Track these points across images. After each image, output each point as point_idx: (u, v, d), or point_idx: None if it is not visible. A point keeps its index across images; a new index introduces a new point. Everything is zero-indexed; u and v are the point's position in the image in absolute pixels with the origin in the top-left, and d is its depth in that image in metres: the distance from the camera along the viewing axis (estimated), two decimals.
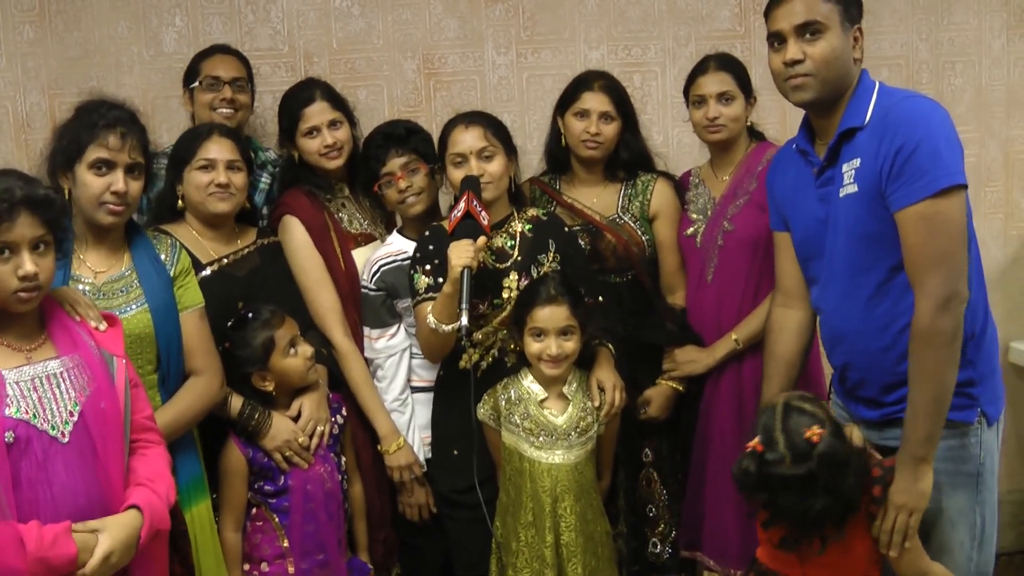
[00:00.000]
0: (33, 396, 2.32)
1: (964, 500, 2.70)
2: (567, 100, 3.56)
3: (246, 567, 3.15)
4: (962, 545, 2.72)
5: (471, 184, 3.14)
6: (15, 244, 2.31)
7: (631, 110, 3.59)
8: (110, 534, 2.31)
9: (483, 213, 3.07)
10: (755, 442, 2.58)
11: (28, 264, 2.31)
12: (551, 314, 3.05)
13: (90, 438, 2.35)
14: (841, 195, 2.68)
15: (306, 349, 3.18)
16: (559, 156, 3.64)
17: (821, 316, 2.92)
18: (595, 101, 3.49)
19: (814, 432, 2.51)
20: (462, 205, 3.06)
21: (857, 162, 2.64)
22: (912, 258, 2.55)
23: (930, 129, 2.54)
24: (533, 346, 3.08)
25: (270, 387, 3.16)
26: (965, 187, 2.54)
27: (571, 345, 3.07)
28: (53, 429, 2.31)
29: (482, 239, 3.04)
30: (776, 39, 2.73)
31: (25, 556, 2.18)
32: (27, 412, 2.29)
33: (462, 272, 2.96)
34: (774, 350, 3.06)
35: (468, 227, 3.05)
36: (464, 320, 2.94)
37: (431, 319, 3.08)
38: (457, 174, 3.23)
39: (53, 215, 2.39)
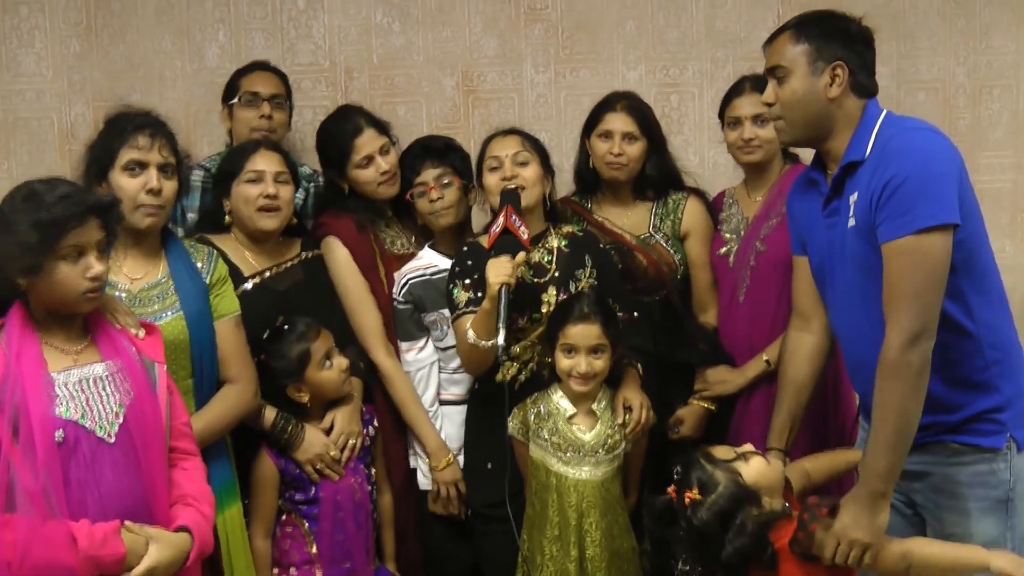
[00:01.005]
0: (81, 397, 2.36)
1: (994, 527, 2.67)
2: (592, 122, 3.58)
3: (275, 572, 3.19)
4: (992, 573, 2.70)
5: (510, 198, 3.15)
6: (84, 246, 2.38)
7: (657, 130, 3.59)
8: (159, 549, 2.36)
9: (522, 228, 3.08)
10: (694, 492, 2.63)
11: (97, 266, 2.39)
12: (583, 331, 3.07)
13: (133, 441, 2.39)
14: (848, 226, 2.67)
15: (341, 361, 3.21)
16: (587, 178, 3.65)
17: (841, 344, 2.90)
18: (618, 122, 3.51)
19: (690, 495, 2.62)
20: (500, 220, 3.06)
21: (856, 196, 2.63)
22: (888, 290, 2.54)
23: (920, 163, 2.51)
24: (564, 362, 3.09)
25: (305, 398, 3.19)
26: (953, 226, 2.50)
27: (600, 364, 3.09)
28: (100, 430, 2.36)
29: (521, 255, 3.05)
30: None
31: (77, 553, 2.23)
32: (76, 412, 2.34)
33: (500, 289, 2.97)
34: (786, 372, 3.04)
35: (507, 243, 3.05)
36: (501, 339, 2.95)
37: (470, 334, 3.10)
38: (492, 179, 3.26)
39: (114, 220, 2.48)
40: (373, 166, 3.47)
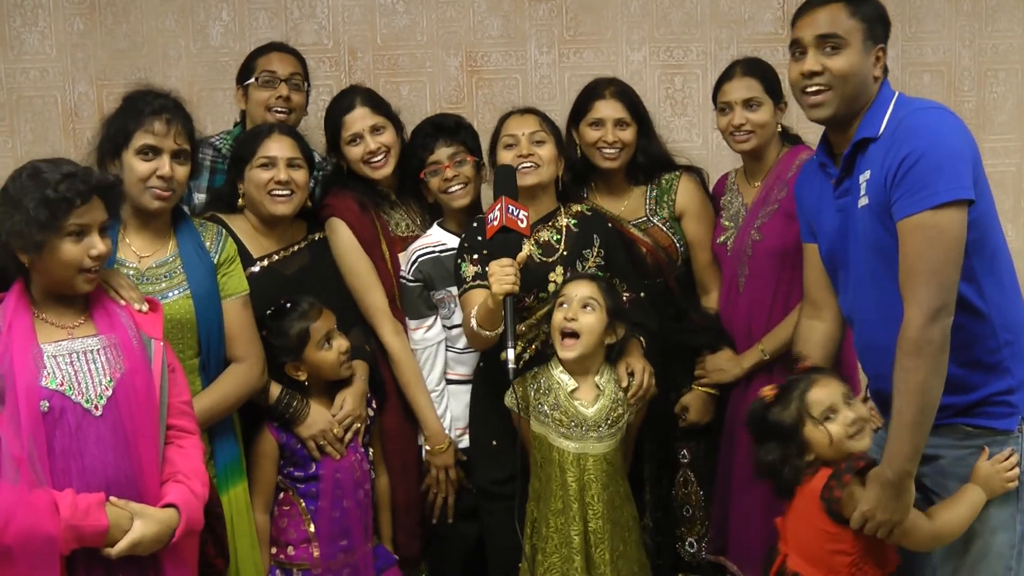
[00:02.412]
0: (69, 369, 2.39)
1: (1004, 510, 2.66)
2: (579, 111, 3.54)
3: (273, 550, 3.20)
4: (1001, 555, 2.68)
5: (504, 180, 3.11)
6: (88, 226, 2.40)
7: (645, 114, 3.57)
8: (144, 524, 2.37)
9: (520, 215, 3.01)
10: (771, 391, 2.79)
11: (100, 245, 2.42)
12: (578, 285, 3.11)
13: (121, 416, 2.41)
14: (859, 206, 2.66)
15: (341, 343, 3.21)
16: (578, 167, 3.60)
17: (851, 326, 2.89)
18: (609, 109, 3.48)
19: (766, 392, 2.76)
20: (497, 213, 3.00)
21: (868, 174, 2.63)
22: (906, 268, 2.53)
23: (936, 140, 2.51)
24: (557, 316, 3.11)
25: (303, 377, 3.20)
26: (969, 201, 2.50)
27: (590, 320, 3.08)
28: (87, 402, 2.38)
29: (522, 254, 3.00)
30: (797, 47, 2.72)
31: (59, 522, 2.25)
32: (62, 384, 2.36)
33: (505, 300, 2.95)
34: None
35: (507, 241, 3.00)
36: (511, 356, 2.92)
37: (474, 322, 3.11)
38: (507, 155, 3.28)
39: (117, 200, 2.51)
40: (362, 144, 3.46)
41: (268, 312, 3.19)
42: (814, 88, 2.66)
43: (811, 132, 3.74)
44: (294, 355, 3.17)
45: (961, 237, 2.51)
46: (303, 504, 3.18)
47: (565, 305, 3.10)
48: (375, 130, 3.47)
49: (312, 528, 3.17)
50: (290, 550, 3.19)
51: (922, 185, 2.49)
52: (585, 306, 3.08)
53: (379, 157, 3.46)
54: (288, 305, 3.20)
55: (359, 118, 3.47)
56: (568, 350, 3.09)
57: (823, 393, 2.70)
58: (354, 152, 3.47)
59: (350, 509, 3.20)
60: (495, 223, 2.99)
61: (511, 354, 2.91)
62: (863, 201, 2.63)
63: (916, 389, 2.51)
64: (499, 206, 2.98)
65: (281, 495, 3.21)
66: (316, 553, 3.17)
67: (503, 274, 2.92)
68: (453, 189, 3.43)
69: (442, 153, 3.43)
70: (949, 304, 2.50)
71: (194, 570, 2.58)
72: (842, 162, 2.71)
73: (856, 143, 2.67)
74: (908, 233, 2.52)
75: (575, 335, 3.08)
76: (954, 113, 2.63)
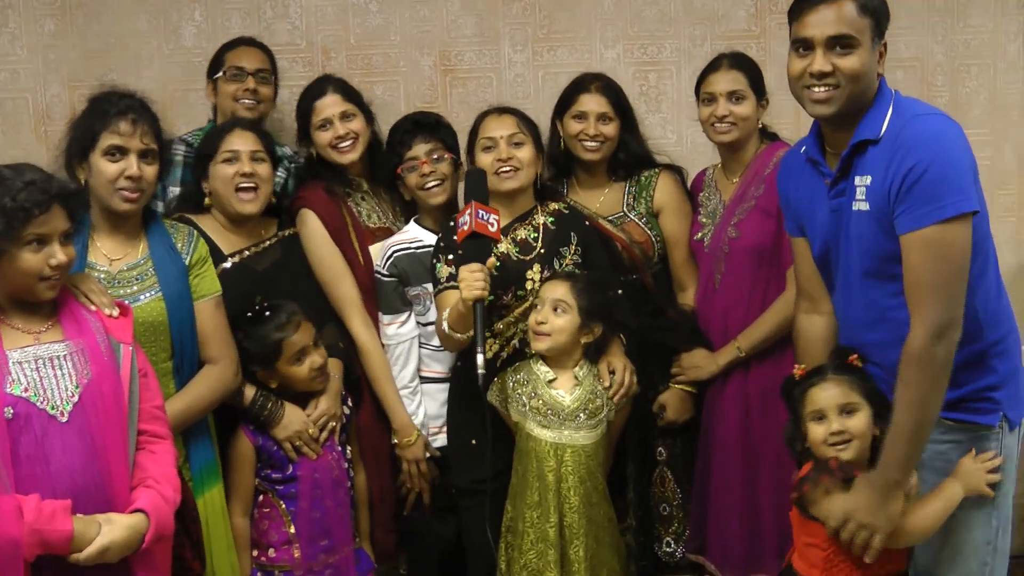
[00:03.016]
0: (35, 375, 2.38)
1: (980, 504, 2.66)
2: (565, 103, 3.57)
3: (254, 552, 3.20)
4: (976, 550, 2.70)
5: (475, 184, 3.12)
6: (48, 235, 2.39)
7: (629, 110, 3.60)
8: (113, 530, 2.36)
9: (490, 219, 3.01)
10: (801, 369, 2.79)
11: (60, 254, 2.40)
12: (551, 286, 3.15)
13: (88, 421, 2.39)
14: (853, 208, 2.63)
15: (315, 360, 3.19)
16: (560, 160, 3.65)
17: (840, 325, 2.86)
18: (593, 103, 3.51)
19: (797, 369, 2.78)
20: (467, 217, 3.00)
21: (868, 179, 2.58)
22: (912, 282, 2.51)
23: (941, 152, 2.48)
24: (531, 316, 3.15)
25: (273, 385, 3.21)
26: (975, 213, 2.48)
27: (560, 321, 3.10)
28: (52, 408, 2.37)
29: (491, 260, 3.00)
30: (802, 45, 2.63)
31: (22, 526, 2.24)
32: (27, 390, 2.35)
33: (475, 306, 2.95)
34: (804, 358, 2.96)
35: (477, 247, 3.00)
36: (481, 361, 2.91)
37: (445, 325, 3.11)
38: (486, 159, 3.28)
39: (79, 209, 2.49)
40: (331, 129, 3.49)
41: (247, 314, 3.18)
42: (822, 87, 2.60)
43: (786, 129, 3.78)
44: (266, 364, 3.17)
45: (967, 250, 2.49)
46: (283, 506, 3.18)
47: (538, 307, 3.13)
48: (345, 116, 3.52)
49: (292, 529, 3.17)
50: (271, 552, 3.19)
51: (927, 199, 2.46)
52: (556, 308, 3.10)
53: (347, 142, 3.50)
54: (267, 312, 3.18)
55: (330, 104, 3.52)
56: (539, 343, 3.13)
57: (820, 395, 2.69)
58: (323, 137, 3.51)
59: (330, 509, 3.20)
60: (465, 227, 2.99)
61: (480, 359, 2.91)
62: (862, 206, 2.60)
63: (916, 403, 2.51)
64: (469, 211, 2.98)
65: (261, 497, 3.21)
66: (297, 554, 3.17)
67: (472, 279, 2.92)
68: (430, 185, 3.43)
69: (420, 149, 3.44)
70: (956, 319, 2.48)
71: (167, 575, 2.57)
72: (839, 163, 2.67)
73: (855, 144, 2.62)
74: (914, 248, 2.49)
75: (545, 335, 3.11)
76: (952, 120, 2.59)
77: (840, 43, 2.57)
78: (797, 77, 2.65)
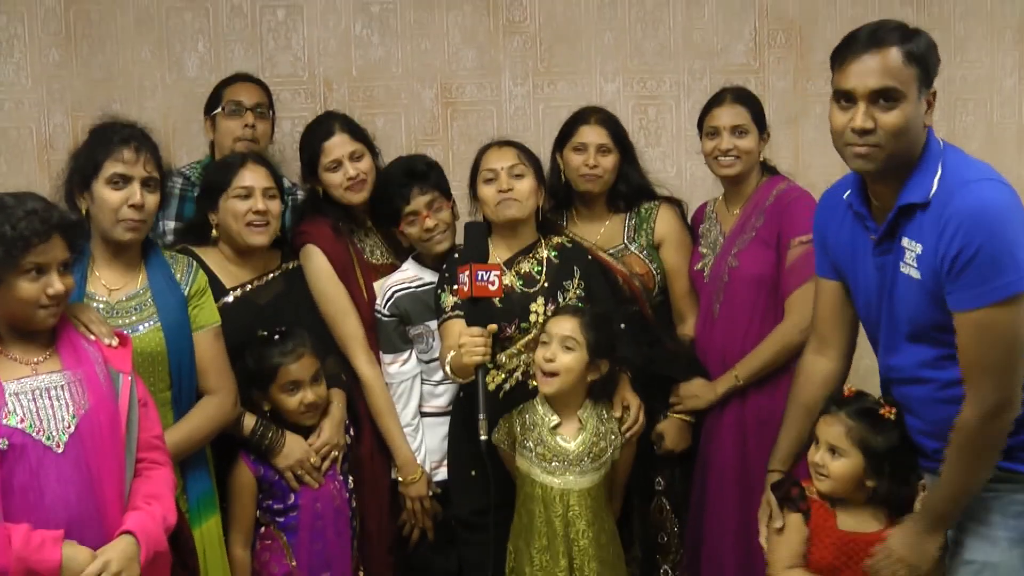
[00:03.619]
0: (31, 406, 2.38)
1: (1020, 558, 2.54)
2: (565, 136, 3.59)
3: None
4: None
5: (473, 239, 3.09)
6: (47, 265, 2.39)
7: (628, 143, 3.61)
8: (105, 554, 2.35)
9: (491, 277, 2.98)
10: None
11: (58, 284, 2.40)
12: (559, 322, 3.12)
13: (84, 451, 2.39)
14: (902, 271, 2.51)
15: (307, 396, 3.18)
16: (560, 193, 3.65)
17: (882, 376, 2.76)
18: (592, 134, 3.53)
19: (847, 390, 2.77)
20: (466, 279, 2.98)
21: (919, 248, 2.45)
22: (966, 360, 2.42)
23: (991, 230, 2.33)
24: (537, 354, 3.13)
25: (266, 408, 3.21)
26: None
27: (567, 359, 3.08)
28: (48, 439, 2.36)
29: (492, 326, 3.00)
30: (844, 97, 2.47)
31: (10, 554, 2.24)
32: (23, 421, 2.35)
33: (478, 372, 2.96)
34: (798, 395, 2.95)
35: (477, 311, 3.01)
36: (483, 433, 2.92)
37: (448, 368, 3.12)
38: (488, 191, 3.30)
39: (79, 239, 2.50)
40: (341, 170, 3.48)
41: (259, 333, 3.19)
42: (863, 145, 2.44)
43: (784, 162, 3.80)
44: (259, 386, 3.18)
45: (1022, 330, 2.39)
46: (284, 538, 3.17)
47: (546, 343, 3.11)
48: (354, 157, 3.49)
49: (294, 563, 3.16)
50: None
51: (979, 280, 2.35)
52: (565, 346, 3.08)
53: (357, 183, 3.48)
54: (276, 337, 3.19)
55: (338, 144, 3.50)
56: (547, 386, 3.10)
57: (821, 425, 2.74)
58: (334, 178, 3.48)
59: (331, 540, 3.19)
60: (465, 289, 2.98)
61: (483, 431, 2.92)
62: (912, 272, 2.48)
63: (964, 471, 2.46)
64: (467, 272, 2.97)
65: (262, 529, 3.19)
66: None
67: (473, 345, 2.92)
68: (435, 237, 3.44)
69: (419, 203, 3.42)
70: (1013, 399, 2.40)
71: None
72: (885, 224, 2.54)
73: (901, 207, 2.49)
74: (966, 328, 2.40)
75: (554, 374, 3.09)
76: (1004, 180, 2.45)
77: (884, 96, 2.41)
78: (839, 132, 2.49)
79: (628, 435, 3.21)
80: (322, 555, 3.17)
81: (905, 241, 2.50)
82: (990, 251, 2.34)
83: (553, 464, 3.11)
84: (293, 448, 3.17)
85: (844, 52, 2.48)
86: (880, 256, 2.59)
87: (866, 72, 2.42)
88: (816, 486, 2.73)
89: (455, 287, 3.21)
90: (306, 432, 3.22)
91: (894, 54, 2.41)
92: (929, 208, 2.44)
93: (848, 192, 2.68)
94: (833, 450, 2.69)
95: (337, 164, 3.48)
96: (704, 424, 3.53)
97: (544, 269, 3.34)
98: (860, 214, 2.63)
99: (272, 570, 3.17)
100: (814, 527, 2.76)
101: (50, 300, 2.40)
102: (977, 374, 2.40)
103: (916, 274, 2.48)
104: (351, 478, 3.35)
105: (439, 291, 3.32)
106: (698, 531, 3.54)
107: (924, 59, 2.44)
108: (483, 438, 2.91)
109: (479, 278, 2.96)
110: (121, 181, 2.87)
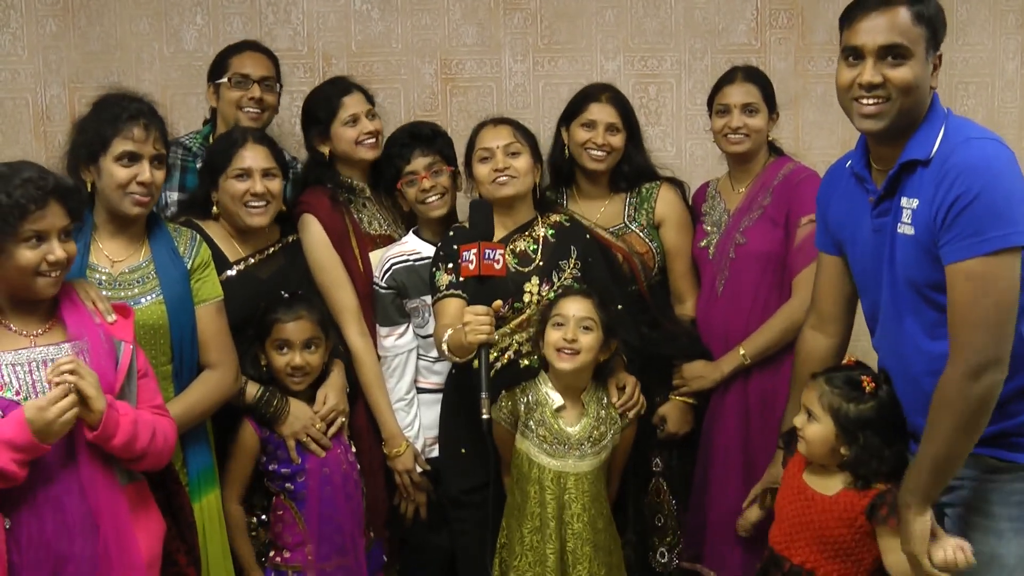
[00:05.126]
0: (28, 378, 2.39)
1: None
2: (573, 111, 3.58)
3: (271, 554, 3.21)
4: None
5: (480, 218, 3.05)
6: (46, 232, 2.39)
7: (636, 123, 3.61)
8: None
9: (496, 255, 2.98)
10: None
11: (59, 250, 2.40)
12: (574, 303, 3.09)
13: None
14: (898, 231, 2.50)
15: (293, 359, 3.19)
16: (563, 168, 3.65)
17: (878, 348, 2.75)
18: (602, 113, 3.52)
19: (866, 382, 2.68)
20: (472, 257, 2.96)
21: (915, 203, 2.45)
22: (954, 315, 2.37)
23: (990, 180, 2.33)
24: (553, 335, 3.08)
25: (262, 363, 3.23)
26: None
27: (588, 340, 3.07)
28: None
29: (497, 303, 2.97)
30: (852, 54, 2.49)
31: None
32: (19, 393, 2.36)
33: (479, 350, 2.91)
34: (800, 373, 2.96)
35: (483, 291, 2.99)
36: (486, 413, 2.86)
37: (444, 347, 3.09)
38: (483, 169, 3.29)
39: (78, 205, 2.48)
40: (359, 125, 3.49)
41: (283, 293, 3.25)
42: (871, 100, 2.46)
43: (785, 143, 3.79)
44: (256, 339, 3.21)
45: (1015, 286, 2.35)
46: (295, 507, 3.18)
47: (562, 325, 3.07)
48: (370, 115, 3.54)
49: (305, 527, 3.17)
50: (286, 554, 3.20)
51: (973, 230, 2.33)
52: (583, 326, 3.07)
53: (372, 139, 3.51)
54: (286, 295, 3.24)
55: (357, 101, 3.54)
56: (567, 362, 3.06)
57: (804, 392, 2.78)
58: (349, 133, 3.50)
59: (341, 503, 3.21)
60: (471, 267, 2.95)
61: (486, 411, 2.86)
62: (907, 230, 2.48)
63: (940, 440, 2.40)
64: (475, 250, 2.95)
65: (274, 500, 3.21)
66: (311, 556, 3.17)
67: (478, 323, 2.88)
68: (430, 200, 3.43)
69: (419, 163, 3.43)
70: (1000, 359, 2.35)
71: None
72: (886, 181, 2.54)
73: (903, 163, 2.49)
74: (957, 280, 2.36)
75: (577, 352, 3.06)
76: (1003, 142, 2.45)
77: (892, 53, 2.43)
78: (846, 88, 2.51)
79: (630, 414, 3.20)
80: (332, 520, 3.19)
81: (903, 200, 2.49)
82: (988, 200, 2.33)
83: (553, 446, 3.11)
84: (298, 415, 3.18)
85: (854, 11, 2.50)
86: (878, 218, 2.58)
87: (876, 29, 2.44)
88: (798, 448, 2.78)
89: (450, 265, 3.21)
90: (308, 401, 3.24)
91: (903, 13, 2.43)
92: (930, 165, 2.44)
93: (849, 161, 2.72)
94: (809, 413, 2.73)
95: (355, 119, 3.49)
96: (709, 405, 3.53)
97: (540, 248, 3.33)
98: (861, 176, 2.64)
99: (285, 540, 3.19)
100: (786, 473, 2.86)
101: (50, 267, 2.39)
102: (962, 329, 2.36)
103: (911, 230, 2.47)
104: (354, 444, 3.37)
105: (434, 269, 3.31)
106: (702, 515, 3.54)
107: (932, 21, 2.46)
108: (485, 416, 2.88)
109: (486, 255, 2.94)
110: (130, 159, 2.85)
